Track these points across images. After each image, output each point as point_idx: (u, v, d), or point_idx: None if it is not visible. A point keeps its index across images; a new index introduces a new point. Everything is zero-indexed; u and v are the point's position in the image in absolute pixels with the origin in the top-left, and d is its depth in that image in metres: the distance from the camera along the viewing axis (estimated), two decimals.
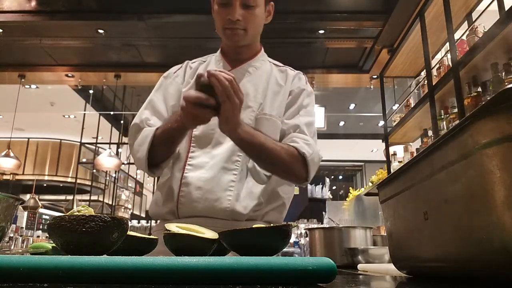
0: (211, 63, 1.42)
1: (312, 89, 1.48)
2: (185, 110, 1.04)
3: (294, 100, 1.39)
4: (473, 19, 2.79)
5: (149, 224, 9.67)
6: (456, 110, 2.63)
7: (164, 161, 1.26)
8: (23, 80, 5.79)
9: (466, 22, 3.02)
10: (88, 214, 0.55)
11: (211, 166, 1.26)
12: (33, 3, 4.54)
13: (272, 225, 0.64)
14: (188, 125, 1.12)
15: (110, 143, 7.07)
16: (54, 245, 0.66)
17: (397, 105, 4.12)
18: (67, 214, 0.55)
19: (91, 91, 6.77)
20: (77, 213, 0.56)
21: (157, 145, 1.21)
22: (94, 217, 0.53)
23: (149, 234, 0.93)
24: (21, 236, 5.88)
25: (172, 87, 1.40)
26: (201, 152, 1.29)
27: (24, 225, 7.18)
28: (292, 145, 1.24)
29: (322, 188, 6.40)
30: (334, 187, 10.15)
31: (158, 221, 1.41)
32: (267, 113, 1.34)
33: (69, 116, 8.56)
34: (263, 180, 1.28)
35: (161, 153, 1.24)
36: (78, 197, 7.94)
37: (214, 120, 1.23)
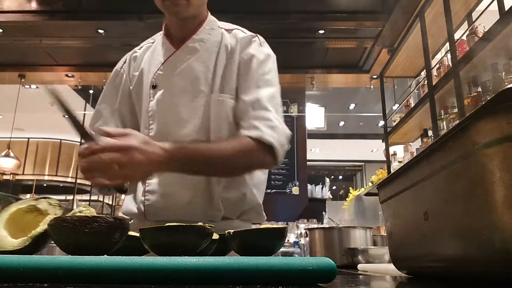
0: (158, 45, 1.30)
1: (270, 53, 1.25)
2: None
3: (246, 69, 1.20)
4: (473, 19, 2.79)
5: None
6: (456, 110, 2.63)
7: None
8: (23, 80, 5.78)
9: (466, 22, 3.02)
10: (90, 214, 0.54)
11: None
12: (33, 3, 4.53)
13: (269, 226, 0.65)
14: None
15: None
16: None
17: (397, 105, 4.12)
18: (70, 214, 0.55)
19: (91, 91, 6.77)
20: (78, 213, 0.56)
21: None
22: (97, 218, 0.53)
23: None
24: None
25: (120, 88, 1.31)
26: None
27: None
28: (254, 135, 1.07)
29: (322, 188, 6.39)
30: (334, 187, 10.15)
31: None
32: (218, 93, 1.19)
33: None
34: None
35: None
36: (78, 197, 7.94)
37: (168, 119, 1.16)
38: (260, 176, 1.28)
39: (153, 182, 1.17)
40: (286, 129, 1.16)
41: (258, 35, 1.29)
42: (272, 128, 1.10)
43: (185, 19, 1.21)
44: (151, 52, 1.31)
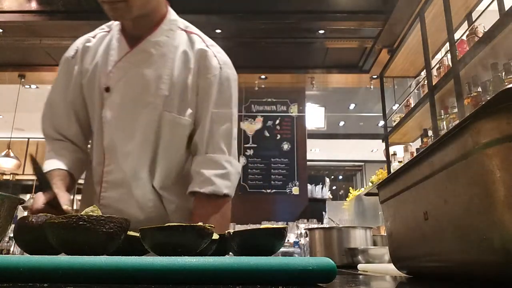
0: (114, 38, 1.16)
1: (234, 74, 1.18)
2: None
3: (204, 98, 1.13)
4: (473, 19, 2.79)
5: None
6: (456, 110, 2.63)
7: None
8: (23, 80, 5.79)
9: (466, 22, 3.02)
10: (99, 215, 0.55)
11: (126, 183, 1.12)
12: (33, 3, 4.53)
13: (269, 226, 0.65)
14: None
15: None
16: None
17: (397, 105, 4.12)
18: (83, 213, 0.55)
19: None
20: (91, 213, 0.56)
21: None
22: (112, 219, 0.54)
23: None
24: None
25: (72, 78, 1.19)
26: (115, 165, 1.13)
27: None
28: (209, 191, 1.09)
29: (322, 188, 6.39)
30: (334, 187, 10.14)
31: None
32: (175, 113, 1.11)
33: None
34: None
35: None
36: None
37: (116, 129, 1.10)
38: None
39: (107, 196, 1.14)
40: (237, 166, 1.16)
41: (216, 50, 1.16)
42: (224, 176, 1.11)
43: (135, 19, 1.08)
44: (106, 44, 1.17)
